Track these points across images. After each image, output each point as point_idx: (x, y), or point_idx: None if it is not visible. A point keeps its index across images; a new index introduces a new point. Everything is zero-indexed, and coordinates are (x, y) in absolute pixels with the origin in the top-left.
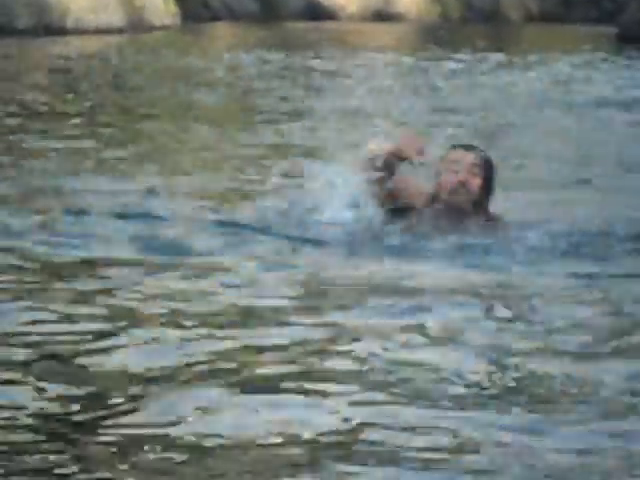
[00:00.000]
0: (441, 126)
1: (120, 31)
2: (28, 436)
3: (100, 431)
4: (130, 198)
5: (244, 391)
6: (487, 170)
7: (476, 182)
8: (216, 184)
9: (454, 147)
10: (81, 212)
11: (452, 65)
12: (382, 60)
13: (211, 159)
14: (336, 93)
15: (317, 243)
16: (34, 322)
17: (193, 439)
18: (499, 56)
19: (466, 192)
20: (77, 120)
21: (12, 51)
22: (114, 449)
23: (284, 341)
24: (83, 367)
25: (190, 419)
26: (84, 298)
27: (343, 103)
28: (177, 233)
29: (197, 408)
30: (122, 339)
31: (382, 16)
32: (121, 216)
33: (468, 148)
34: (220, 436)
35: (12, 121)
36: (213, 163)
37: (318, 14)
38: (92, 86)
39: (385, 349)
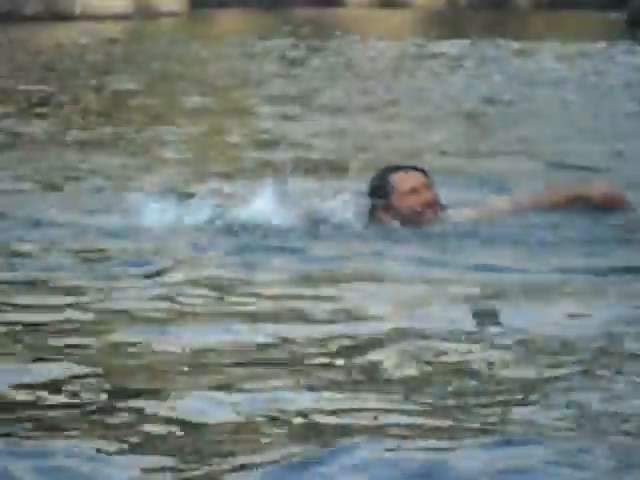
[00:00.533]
0: (446, 114)
1: (127, 17)
2: None
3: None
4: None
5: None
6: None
7: (434, 195)
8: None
9: (390, 172)
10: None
11: (457, 51)
12: (385, 47)
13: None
14: (333, 81)
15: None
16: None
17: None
18: (506, 43)
19: (433, 210)
20: (64, 110)
21: (17, 37)
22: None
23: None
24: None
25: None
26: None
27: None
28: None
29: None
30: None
31: (390, 3)
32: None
33: (406, 169)
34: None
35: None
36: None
37: (326, 0)
38: (86, 74)
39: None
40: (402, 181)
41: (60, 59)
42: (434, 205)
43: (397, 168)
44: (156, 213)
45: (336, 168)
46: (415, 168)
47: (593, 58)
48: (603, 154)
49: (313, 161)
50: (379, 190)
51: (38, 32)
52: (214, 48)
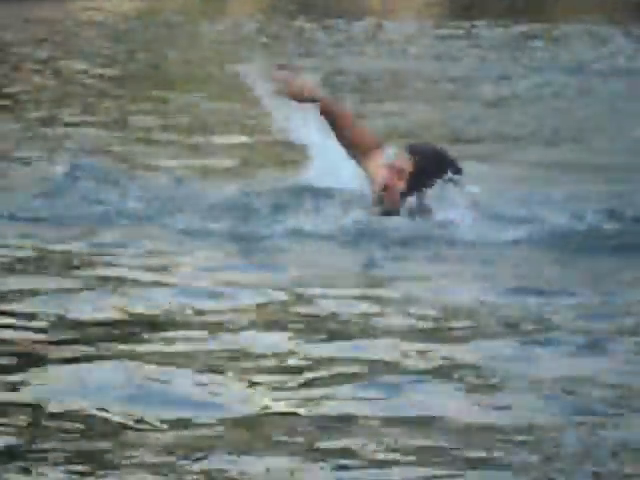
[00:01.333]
0: (454, 97)
1: None
2: None
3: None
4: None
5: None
6: (418, 176)
7: (399, 187)
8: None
9: (407, 147)
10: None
11: (474, 32)
12: (399, 27)
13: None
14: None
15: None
16: None
17: None
18: (520, 26)
19: (389, 196)
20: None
21: (29, 14)
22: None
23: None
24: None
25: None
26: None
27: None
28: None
29: None
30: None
31: None
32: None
33: (412, 150)
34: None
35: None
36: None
37: None
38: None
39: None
40: (394, 155)
41: (93, 36)
42: (390, 193)
43: (408, 146)
44: None
45: None
46: (414, 151)
47: (606, 42)
48: (614, 138)
49: None
50: None
51: (47, 9)
52: (229, 28)
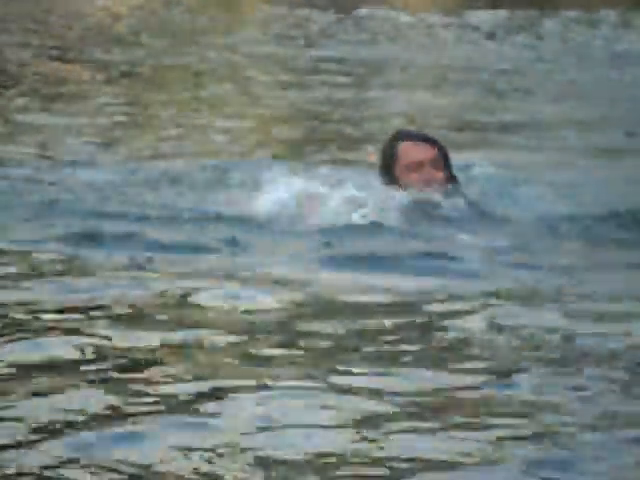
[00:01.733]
0: (451, 85)
1: None
2: None
3: None
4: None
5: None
6: (445, 156)
7: (440, 176)
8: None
9: (400, 140)
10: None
11: (475, 22)
12: (411, 18)
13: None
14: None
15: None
16: None
17: None
18: (527, 13)
19: (436, 187)
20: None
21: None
22: None
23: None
24: None
25: None
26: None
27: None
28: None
29: None
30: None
31: None
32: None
33: (416, 140)
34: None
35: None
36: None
37: None
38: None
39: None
40: (407, 152)
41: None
42: (439, 186)
43: (407, 135)
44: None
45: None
46: (427, 139)
47: (610, 28)
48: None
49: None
50: (384, 159)
51: (57, 3)
52: (240, 18)
